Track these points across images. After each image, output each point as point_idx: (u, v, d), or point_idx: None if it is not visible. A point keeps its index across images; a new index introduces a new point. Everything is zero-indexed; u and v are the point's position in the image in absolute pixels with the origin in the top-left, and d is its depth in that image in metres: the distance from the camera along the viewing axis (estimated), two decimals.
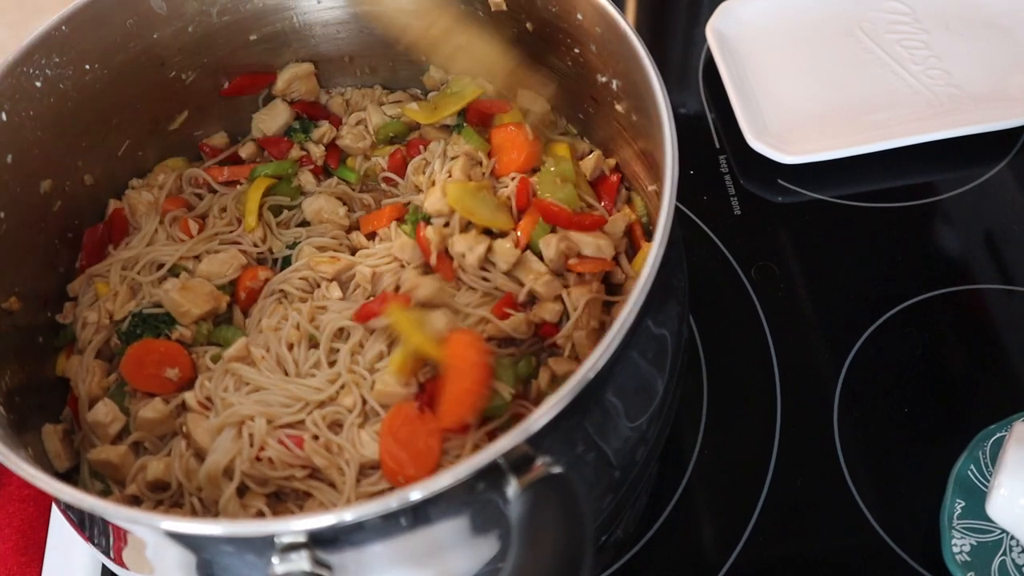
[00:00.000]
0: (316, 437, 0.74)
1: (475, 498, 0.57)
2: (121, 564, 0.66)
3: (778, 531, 0.85)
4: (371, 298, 0.82)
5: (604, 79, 0.79)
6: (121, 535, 0.64)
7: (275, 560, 0.53)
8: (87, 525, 0.67)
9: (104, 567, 0.86)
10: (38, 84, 0.77)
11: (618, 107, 0.80)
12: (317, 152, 0.93)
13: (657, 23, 1.27)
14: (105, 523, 0.65)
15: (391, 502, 0.52)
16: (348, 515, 0.52)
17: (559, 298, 0.78)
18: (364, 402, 0.76)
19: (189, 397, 0.77)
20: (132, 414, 0.78)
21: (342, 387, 0.77)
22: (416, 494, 0.52)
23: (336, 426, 0.75)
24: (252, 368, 0.79)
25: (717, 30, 1.14)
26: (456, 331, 0.75)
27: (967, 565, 0.78)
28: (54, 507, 0.90)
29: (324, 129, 0.94)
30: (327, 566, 0.55)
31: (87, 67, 0.81)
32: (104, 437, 0.77)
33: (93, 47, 0.80)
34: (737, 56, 1.14)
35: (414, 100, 0.97)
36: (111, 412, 0.77)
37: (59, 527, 0.89)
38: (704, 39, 1.15)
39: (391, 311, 0.77)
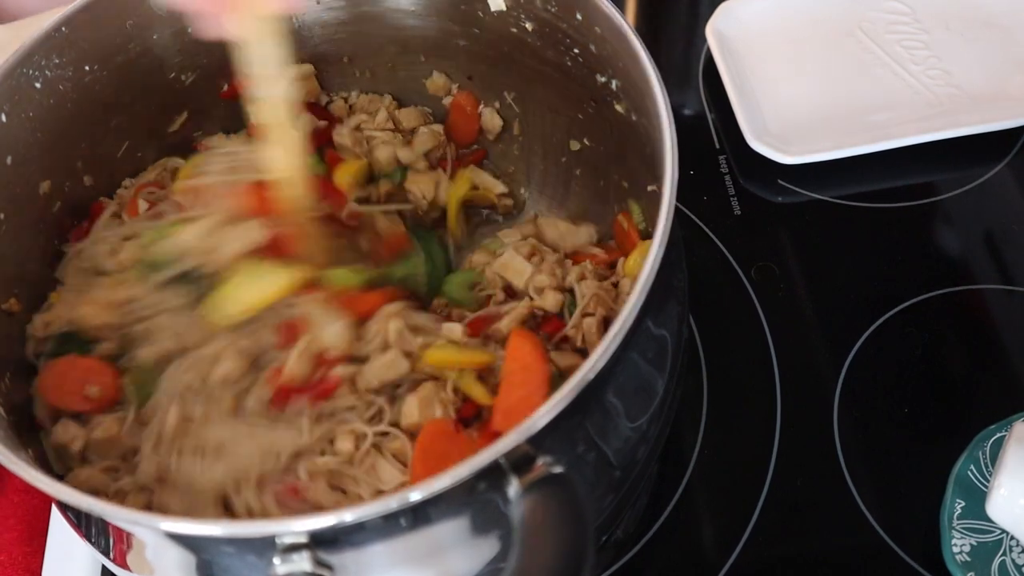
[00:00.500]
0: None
1: (476, 498, 0.57)
2: (121, 565, 0.65)
3: (778, 531, 0.85)
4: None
5: (604, 79, 0.79)
6: (120, 536, 0.64)
7: (276, 561, 0.53)
8: (86, 525, 0.67)
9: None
10: (37, 85, 0.77)
11: (618, 107, 0.79)
12: None
13: (657, 23, 1.27)
14: (104, 524, 0.65)
15: (391, 502, 0.52)
16: (348, 515, 0.52)
17: (560, 288, 0.77)
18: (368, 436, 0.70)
19: (142, 476, 0.69)
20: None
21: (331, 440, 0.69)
22: (416, 495, 0.52)
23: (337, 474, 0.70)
24: (205, 425, 0.70)
25: (717, 30, 1.14)
26: (517, 333, 0.72)
27: (967, 565, 0.78)
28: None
29: (304, 119, 0.91)
30: (328, 566, 0.55)
31: (86, 68, 0.81)
32: (71, 457, 0.72)
33: (92, 48, 0.80)
34: (737, 56, 1.14)
35: (425, 124, 0.95)
36: (69, 430, 0.72)
37: (61, 518, 0.88)
38: (704, 39, 1.15)
39: (431, 355, 0.71)
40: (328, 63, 0.95)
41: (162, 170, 0.89)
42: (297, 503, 0.66)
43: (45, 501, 0.90)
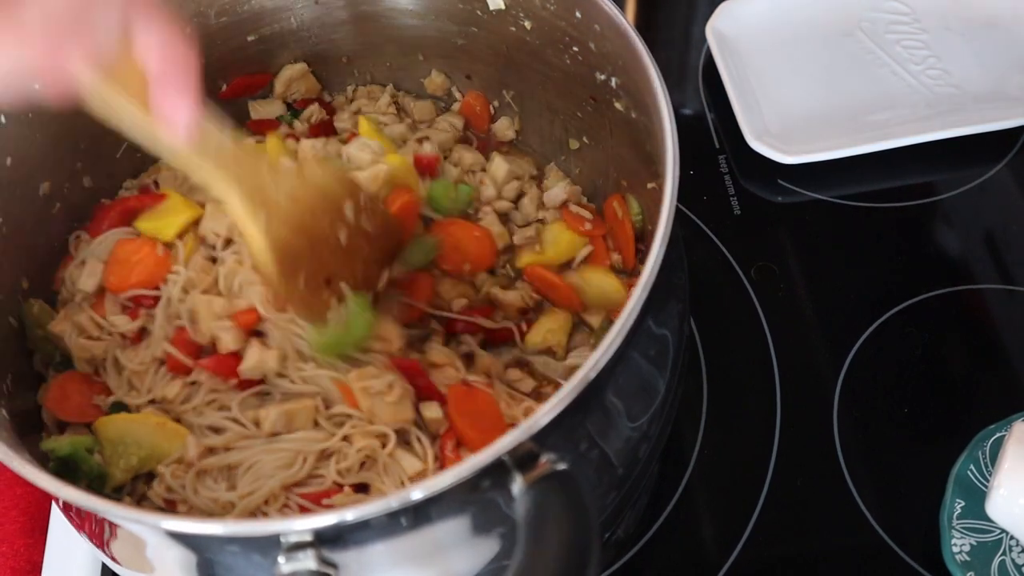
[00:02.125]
0: (341, 486, 0.69)
1: (480, 496, 0.57)
2: (121, 564, 0.65)
3: (778, 531, 0.85)
4: None
5: (603, 77, 0.79)
6: (122, 535, 0.64)
7: (281, 560, 0.53)
8: (87, 524, 0.67)
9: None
10: (36, 86, 0.76)
11: (617, 105, 0.80)
12: (302, 128, 0.93)
13: (657, 23, 1.27)
14: (104, 522, 0.64)
15: (391, 501, 0.52)
16: (350, 515, 0.52)
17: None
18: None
19: (153, 496, 0.71)
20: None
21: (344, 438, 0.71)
22: (418, 493, 0.52)
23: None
24: (231, 452, 0.71)
25: (717, 30, 1.14)
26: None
27: (967, 565, 0.78)
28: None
29: (312, 109, 0.93)
30: (333, 564, 0.54)
31: None
32: None
33: None
34: (737, 56, 1.14)
35: (439, 115, 0.96)
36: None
37: (61, 515, 0.88)
38: (704, 39, 1.14)
39: None
40: (327, 63, 0.95)
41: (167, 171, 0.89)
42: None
43: (47, 495, 0.90)
